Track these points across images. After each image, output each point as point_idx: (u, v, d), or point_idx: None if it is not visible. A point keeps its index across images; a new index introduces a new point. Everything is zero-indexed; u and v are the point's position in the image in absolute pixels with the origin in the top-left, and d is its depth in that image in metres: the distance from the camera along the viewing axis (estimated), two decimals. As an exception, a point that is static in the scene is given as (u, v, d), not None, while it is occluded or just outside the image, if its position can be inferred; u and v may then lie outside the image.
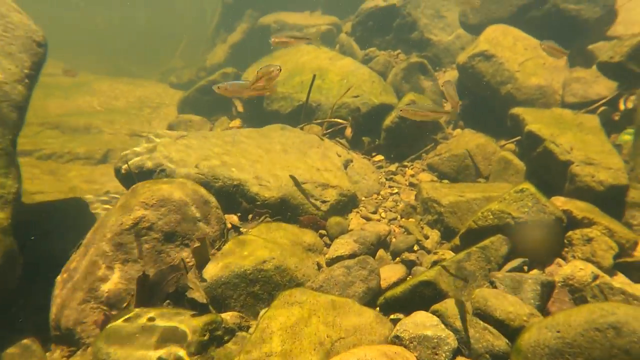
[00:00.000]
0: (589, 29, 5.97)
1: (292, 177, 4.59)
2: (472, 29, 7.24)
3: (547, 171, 4.46)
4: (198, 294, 3.27)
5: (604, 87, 5.15)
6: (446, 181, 5.34)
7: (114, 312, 3.25)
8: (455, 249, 4.01)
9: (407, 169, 5.56)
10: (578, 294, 3.18)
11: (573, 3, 5.91)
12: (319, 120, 6.00)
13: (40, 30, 3.61)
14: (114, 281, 3.39)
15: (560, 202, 3.86)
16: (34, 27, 3.56)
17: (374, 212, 4.77)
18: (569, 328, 2.51)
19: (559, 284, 3.26)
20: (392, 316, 3.31)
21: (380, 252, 4.12)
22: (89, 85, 10.39)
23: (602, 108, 5.08)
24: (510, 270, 3.49)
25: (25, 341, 3.17)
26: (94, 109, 8.90)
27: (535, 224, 3.56)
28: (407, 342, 2.77)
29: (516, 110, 5.05)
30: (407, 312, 3.26)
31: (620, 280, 3.19)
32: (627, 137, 4.41)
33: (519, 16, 6.46)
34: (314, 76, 5.82)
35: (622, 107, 5.03)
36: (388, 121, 5.71)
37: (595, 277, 3.17)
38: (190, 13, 22.03)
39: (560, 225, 3.56)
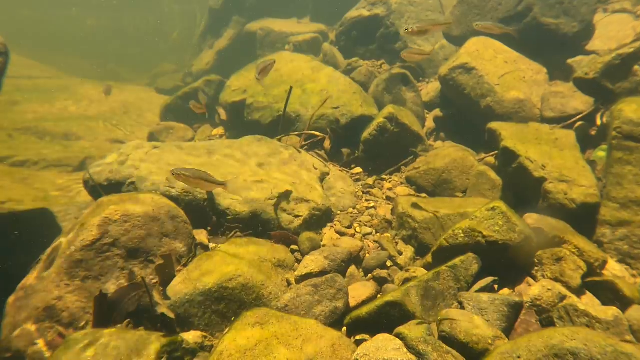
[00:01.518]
0: (568, 43, 5.99)
1: (267, 194, 4.51)
2: (455, 41, 7.25)
3: (523, 187, 4.44)
4: (166, 310, 3.18)
5: (581, 102, 5.15)
6: (424, 195, 5.30)
7: (69, 332, 3.14)
8: (428, 267, 3.96)
9: (384, 182, 5.51)
10: (545, 315, 3.13)
11: (552, 17, 5.93)
12: (297, 132, 5.94)
13: (0, 37, 3.50)
14: (71, 299, 3.28)
15: (533, 220, 3.83)
16: (-8, 37, 3.46)
17: (349, 227, 4.70)
18: (529, 354, 2.46)
19: (527, 305, 3.21)
20: (358, 337, 3.24)
21: (352, 268, 4.05)
22: (71, 89, 10.25)
23: (579, 123, 5.08)
24: (480, 290, 3.44)
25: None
26: (74, 114, 8.77)
27: (505, 243, 3.51)
28: (367, 367, 2.70)
29: (493, 125, 5.03)
30: (373, 333, 3.19)
31: (586, 302, 3.15)
32: (601, 153, 4.40)
33: (500, 29, 6.47)
34: (291, 88, 5.77)
35: (599, 122, 5.04)
36: (366, 134, 5.66)
37: (563, 298, 3.13)
38: (181, 17, 21.96)
39: (530, 245, 3.52)
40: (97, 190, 4.38)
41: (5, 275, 3.60)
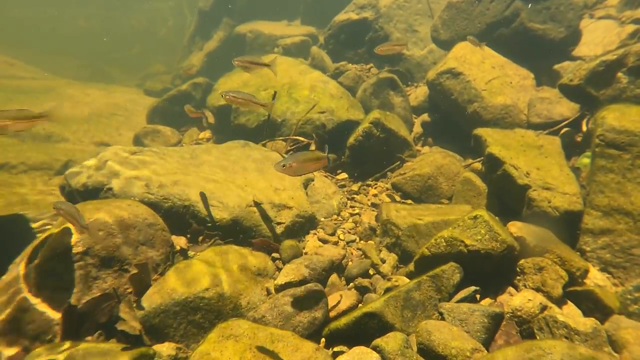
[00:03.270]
0: (554, 49, 5.98)
1: (250, 201, 4.43)
2: (443, 45, 7.22)
3: (507, 194, 4.40)
4: (128, 326, 3.08)
5: (567, 108, 5.14)
6: (410, 201, 5.24)
7: (36, 346, 3.04)
8: (410, 275, 3.90)
9: (370, 188, 5.45)
10: (526, 326, 3.08)
11: (539, 22, 5.92)
12: (282, 138, 5.86)
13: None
14: (39, 310, 3.17)
15: (516, 228, 3.78)
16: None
17: (332, 234, 4.63)
18: (505, 370, 2.40)
19: (508, 315, 3.16)
20: (335, 348, 3.17)
21: (333, 277, 3.97)
22: (58, 90, 10.09)
23: (565, 129, 5.06)
24: (461, 300, 3.39)
25: None
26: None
27: (487, 252, 3.46)
28: (342, 382, 2.62)
29: (479, 131, 5.00)
30: (352, 345, 3.12)
31: (567, 312, 3.11)
32: (585, 160, 4.38)
33: (488, 33, 6.46)
34: (275, 92, 5.70)
35: (584, 128, 5.02)
36: (352, 139, 5.60)
37: (544, 308, 3.08)
38: (172, 17, 21.80)
39: (512, 254, 3.48)
40: (74, 195, 4.28)
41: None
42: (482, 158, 5.36)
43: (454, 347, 2.81)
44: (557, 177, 4.08)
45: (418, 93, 7.42)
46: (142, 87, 12.83)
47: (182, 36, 18.14)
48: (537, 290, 3.27)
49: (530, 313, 3.06)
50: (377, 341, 2.91)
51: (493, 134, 4.85)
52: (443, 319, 3.24)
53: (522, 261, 3.48)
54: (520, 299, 3.16)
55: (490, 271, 3.53)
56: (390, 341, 2.88)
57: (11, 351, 2.94)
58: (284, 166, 3.19)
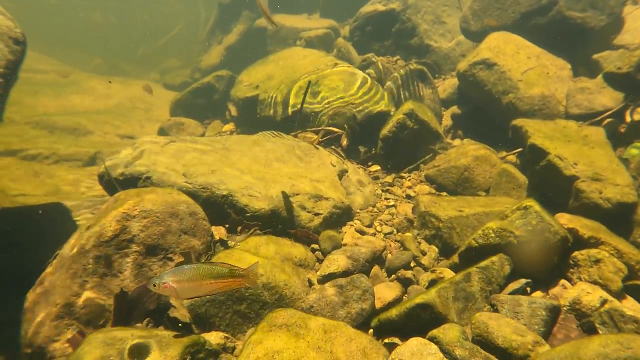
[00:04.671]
0: (594, 38, 5.82)
1: (283, 192, 4.38)
2: (473, 36, 7.08)
3: (551, 186, 4.28)
4: (180, 313, 3.05)
5: (609, 98, 4.99)
6: (445, 194, 5.15)
7: (89, 330, 3.02)
8: (454, 268, 3.82)
9: (404, 180, 5.37)
10: (585, 320, 2.99)
11: (578, 11, 5.76)
12: (314, 128, 5.80)
13: (18, 27, 3.38)
14: (90, 296, 3.16)
15: (565, 220, 3.67)
16: (9, 23, 3.33)
17: (369, 226, 4.56)
18: (578, 363, 2.32)
19: (565, 309, 3.07)
20: (386, 340, 3.10)
21: (375, 269, 3.91)
22: (80, 84, 10.14)
23: (607, 120, 4.92)
24: (512, 292, 3.30)
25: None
26: (83, 108, 8.66)
27: (539, 244, 3.37)
28: (403, 373, 2.56)
29: (518, 121, 4.88)
30: (403, 336, 3.06)
31: (630, 306, 3.01)
32: (634, 151, 4.25)
33: (522, 23, 6.31)
34: (309, 82, 5.63)
35: (628, 119, 4.87)
36: (385, 130, 5.52)
37: (604, 302, 2.98)
38: (185, 13, 21.82)
39: (565, 245, 3.38)
40: (113, 184, 4.26)
41: (21, 268, 3.48)
42: (520, 150, 5.25)
43: (515, 339, 2.73)
44: (606, 168, 3.95)
45: (446, 85, 7.30)
46: (159, 82, 12.86)
47: (195, 32, 18.15)
48: (594, 283, 3.17)
49: (590, 307, 2.97)
50: (434, 332, 2.84)
51: (534, 124, 4.73)
52: (496, 311, 3.16)
53: (575, 253, 3.38)
54: (577, 292, 3.06)
55: (541, 264, 3.43)
56: (448, 332, 2.81)
57: (68, 334, 2.93)
58: (155, 285, 2.34)
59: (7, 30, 3.29)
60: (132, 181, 4.24)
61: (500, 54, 5.86)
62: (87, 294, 3.17)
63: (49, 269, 3.40)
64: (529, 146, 4.45)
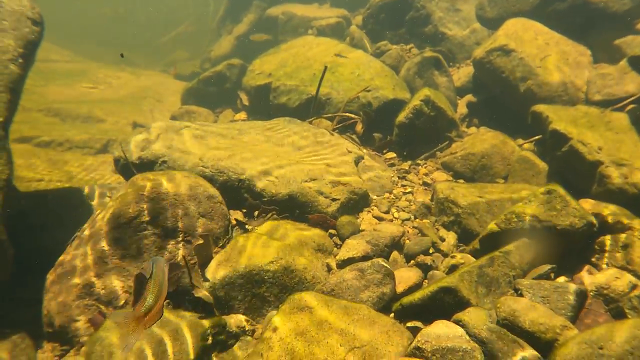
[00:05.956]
0: (616, 22, 5.67)
1: (300, 177, 4.33)
2: (489, 23, 6.96)
3: (572, 172, 4.20)
4: (203, 294, 3.03)
5: (633, 84, 4.88)
6: (462, 181, 5.08)
7: (109, 310, 3.01)
8: (475, 253, 3.76)
9: (420, 167, 5.30)
10: (613, 305, 2.93)
11: (600, -4, 5.63)
12: (329, 115, 5.74)
13: (36, 6, 3.35)
14: (110, 278, 3.15)
15: (590, 205, 3.60)
16: (27, 3, 3.30)
17: (387, 212, 4.51)
18: (612, 345, 2.26)
19: (592, 294, 3.01)
20: (409, 324, 3.06)
21: (394, 254, 3.87)
22: (90, 73, 10.14)
23: (630, 106, 4.81)
24: (536, 278, 3.24)
25: (15, 337, 2.94)
26: (95, 97, 8.66)
27: (564, 228, 3.30)
28: (430, 354, 2.52)
29: (538, 107, 4.78)
30: (425, 320, 3.02)
31: (659, 292, 2.94)
32: (659, 137, 4.14)
33: (541, 9, 6.18)
34: (325, 67, 5.55)
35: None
36: (402, 117, 5.44)
37: (633, 287, 2.92)
38: (193, 6, 21.73)
39: (591, 230, 3.31)
40: (128, 169, 4.24)
41: (40, 251, 3.48)
42: (538, 137, 5.15)
43: (543, 323, 2.67)
44: (632, 153, 3.87)
45: (461, 74, 7.19)
46: (168, 73, 12.82)
47: (203, 24, 18.06)
48: (622, 268, 3.10)
49: (619, 292, 2.90)
50: (459, 315, 2.80)
51: (554, 110, 4.64)
52: (520, 295, 3.10)
53: (602, 238, 3.32)
54: (605, 277, 3.00)
55: (565, 249, 3.36)
56: (474, 315, 2.76)
57: (89, 314, 2.92)
58: None
59: (26, 11, 3.26)
60: (148, 165, 4.22)
61: (518, 41, 5.75)
62: (107, 275, 3.16)
63: (68, 251, 3.40)
64: (550, 132, 4.36)
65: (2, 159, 3.04)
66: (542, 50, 5.66)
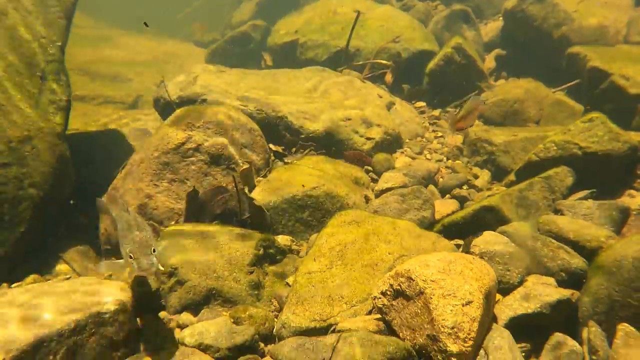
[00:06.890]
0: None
1: (336, 115, 4.38)
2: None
3: (610, 109, 4.15)
4: (257, 202, 3.15)
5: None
6: (492, 127, 5.07)
7: (162, 228, 3.16)
8: (510, 185, 3.80)
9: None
10: (656, 223, 2.96)
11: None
12: (361, 62, 5.74)
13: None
14: (161, 199, 3.29)
15: (632, 136, 3.59)
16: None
17: (419, 153, 4.56)
18: (662, 242, 2.31)
19: (634, 213, 3.04)
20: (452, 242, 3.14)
21: (430, 187, 3.93)
22: (114, 39, 10.25)
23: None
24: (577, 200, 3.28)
25: (82, 248, 3.14)
26: (120, 60, 8.77)
27: (606, 154, 3.31)
28: (478, 256, 2.60)
29: (576, 48, 4.73)
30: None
31: None
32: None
33: (575, -44, 6.01)
34: (359, 13, 5.54)
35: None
36: (432, 64, 5.43)
37: (677, 206, 2.94)
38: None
39: (635, 155, 3.31)
40: (168, 108, 4.35)
41: (94, 182, 3.64)
42: (572, 83, 5.09)
43: (588, 233, 2.73)
44: (675, 86, 3.82)
45: (488, 30, 7.07)
46: (189, 41, 12.83)
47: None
48: (666, 189, 3.11)
49: (662, 208, 2.93)
50: (504, 227, 2.87)
51: (593, 49, 4.58)
52: (561, 215, 3.15)
53: (644, 163, 3.31)
54: (649, 196, 3.02)
55: (607, 175, 3.38)
56: (518, 226, 2.82)
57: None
58: None
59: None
60: (188, 103, 4.31)
61: (552, -13, 5.62)
62: (158, 197, 3.29)
63: (120, 176, 3.54)
64: (589, 70, 4.32)
65: (62, 81, 3.17)
66: (577, -4, 5.54)
